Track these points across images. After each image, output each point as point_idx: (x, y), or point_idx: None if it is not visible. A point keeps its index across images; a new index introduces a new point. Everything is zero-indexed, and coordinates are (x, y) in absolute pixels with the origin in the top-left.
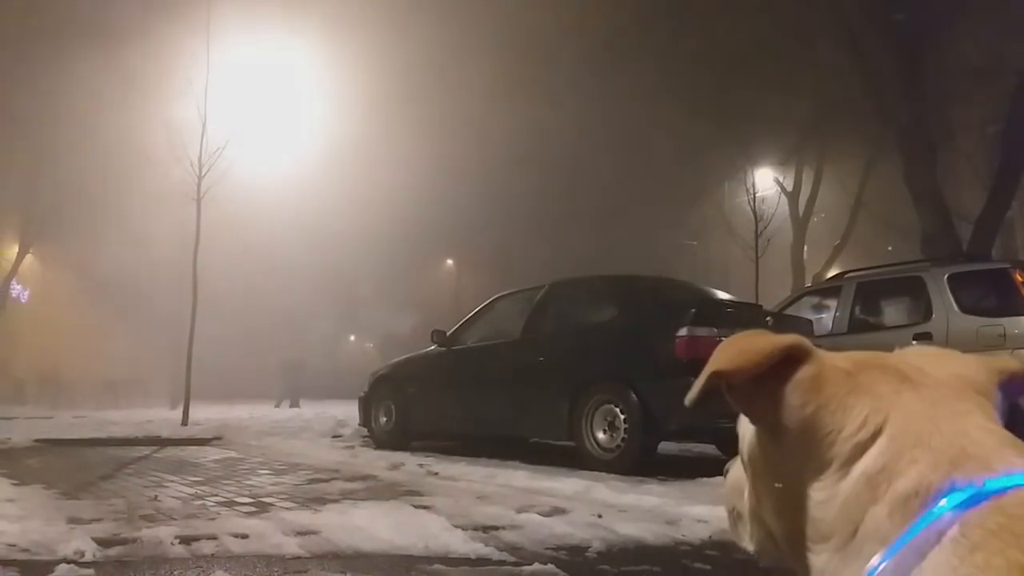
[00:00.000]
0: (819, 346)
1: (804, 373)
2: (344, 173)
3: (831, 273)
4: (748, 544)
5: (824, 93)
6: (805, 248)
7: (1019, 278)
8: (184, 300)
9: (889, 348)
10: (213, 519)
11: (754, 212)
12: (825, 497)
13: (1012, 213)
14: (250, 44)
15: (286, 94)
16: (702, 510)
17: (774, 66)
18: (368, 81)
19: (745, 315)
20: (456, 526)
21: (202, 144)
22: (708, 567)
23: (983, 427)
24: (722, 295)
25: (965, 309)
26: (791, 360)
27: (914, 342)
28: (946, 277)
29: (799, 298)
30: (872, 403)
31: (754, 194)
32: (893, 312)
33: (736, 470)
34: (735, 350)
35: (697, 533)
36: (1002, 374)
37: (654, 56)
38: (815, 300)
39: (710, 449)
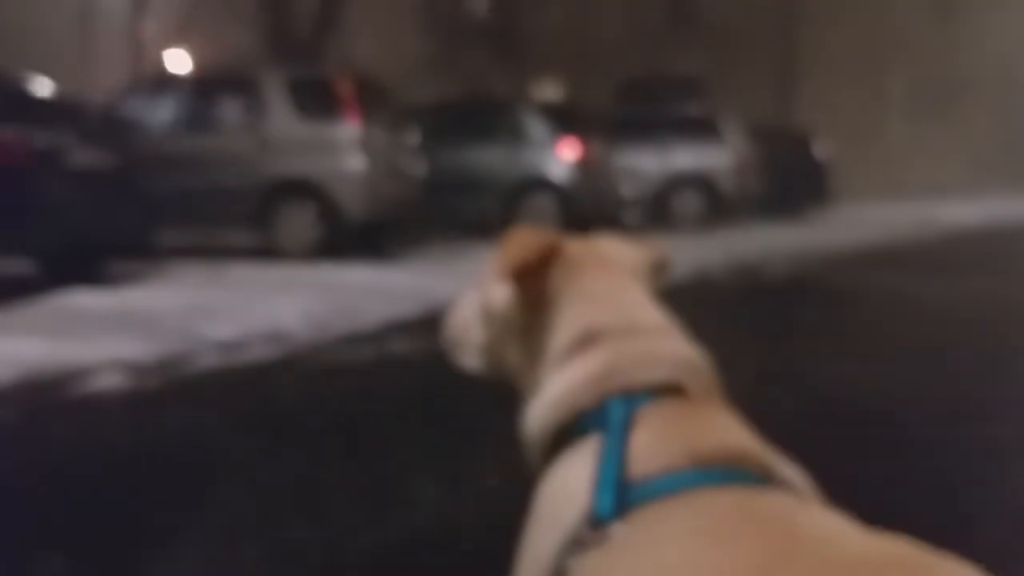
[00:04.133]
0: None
1: (559, 264)
2: None
3: (175, 58)
4: (470, 364)
5: None
6: (147, 26)
7: (345, 86)
8: None
9: (227, 149)
10: None
11: None
12: (555, 341)
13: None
14: None
15: None
16: (11, 347)
17: None
18: None
19: (62, 113)
20: None
21: None
22: (13, 412)
23: (637, 302)
24: (35, 83)
25: (297, 114)
26: (554, 252)
27: (250, 145)
28: (281, 80)
29: (130, 92)
30: (586, 282)
31: None
32: (231, 112)
33: (464, 312)
34: (528, 246)
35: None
36: (659, 263)
37: None
38: (149, 95)
39: (27, 266)
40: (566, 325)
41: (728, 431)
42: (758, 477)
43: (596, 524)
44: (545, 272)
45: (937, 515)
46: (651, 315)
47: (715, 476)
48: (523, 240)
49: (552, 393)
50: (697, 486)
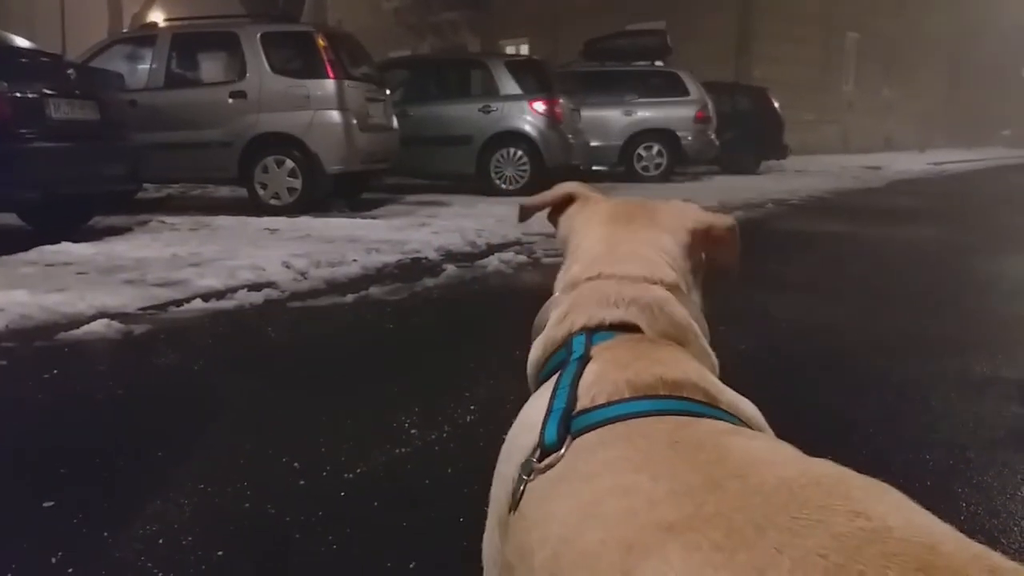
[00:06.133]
0: (134, 101)
1: (571, 210)
2: None
3: (152, 18)
4: None
5: None
6: None
7: (321, 42)
8: None
9: (208, 104)
10: None
11: None
12: (563, 271)
13: None
14: None
15: None
16: None
17: None
18: None
19: (42, 66)
20: None
21: None
22: (4, 362)
23: (633, 252)
24: (14, 40)
25: (276, 69)
26: (571, 199)
27: (230, 100)
28: (259, 36)
29: (109, 47)
30: (593, 231)
31: None
32: (210, 68)
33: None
34: (543, 195)
35: None
36: (698, 224)
37: None
38: (128, 50)
39: (12, 219)
40: (565, 265)
41: (672, 364)
42: (698, 406)
43: (543, 452)
44: (558, 216)
45: (884, 442)
46: (635, 262)
47: (654, 405)
48: (555, 188)
49: (544, 328)
50: (636, 415)
